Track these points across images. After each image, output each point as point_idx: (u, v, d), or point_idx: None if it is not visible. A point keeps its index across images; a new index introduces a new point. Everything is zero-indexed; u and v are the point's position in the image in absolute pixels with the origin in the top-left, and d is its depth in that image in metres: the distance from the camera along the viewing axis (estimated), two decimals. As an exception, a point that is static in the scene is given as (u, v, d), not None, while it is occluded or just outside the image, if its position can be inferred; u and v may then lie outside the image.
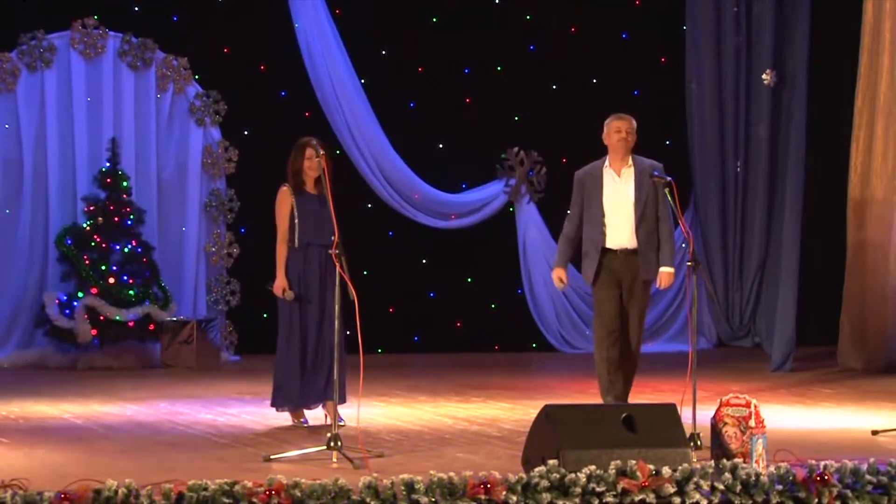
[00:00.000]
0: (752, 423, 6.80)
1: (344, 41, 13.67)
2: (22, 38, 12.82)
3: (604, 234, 8.85)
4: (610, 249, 8.85)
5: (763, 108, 13.96)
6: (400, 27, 13.97)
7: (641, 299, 8.94)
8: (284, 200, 8.67)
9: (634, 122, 9.00)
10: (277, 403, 8.71)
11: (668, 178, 8.61)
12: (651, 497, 6.06)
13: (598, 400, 9.38)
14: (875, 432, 8.38)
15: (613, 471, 6.10)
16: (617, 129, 8.91)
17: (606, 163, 8.95)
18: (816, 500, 6.25)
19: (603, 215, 8.86)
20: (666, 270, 8.86)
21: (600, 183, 8.92)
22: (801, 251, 12.59)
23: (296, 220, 8.61)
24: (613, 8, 14.67)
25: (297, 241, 8.60)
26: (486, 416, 9.31)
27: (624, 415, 6.68)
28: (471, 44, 14.25)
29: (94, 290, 12.37)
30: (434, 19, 14.27)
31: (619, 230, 8.85)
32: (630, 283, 8.87)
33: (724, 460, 6.45)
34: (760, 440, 6.78)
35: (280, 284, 8.58)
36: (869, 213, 12.36)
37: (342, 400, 8.41)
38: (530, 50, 14.59)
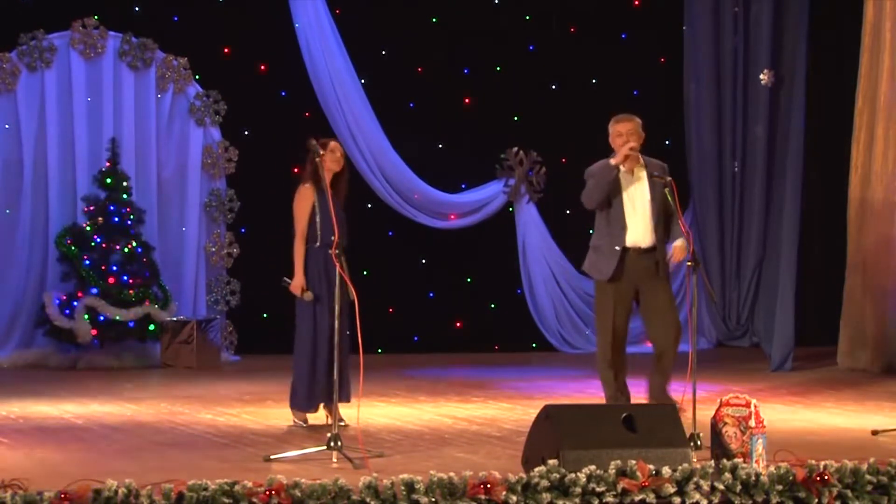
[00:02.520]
0: (752, 423, 6.79)
1: (344, 41, 13.68)
2: (22, 38, 12.82)
3: (625, 231, 8.84)
4: (628, 248, 8.85)
5: (761, 108, 13.97)
6: (400, 27, 13.97)
7: (666, 291, 8.94)
8: (306, 198, 8.56)
9: (638, 122, 8.98)
10: (302, 405, 8.63)
11: (668, 179, 8.62)
12: (651, 497, 6.06)
13: (599, 400, 9.39)
14: (875, 432, 8.38)
15: (613, 471, 6.10)
16: (619, 134, 8.90)
17: None
18: (816, 500, 6.25)
19: (623, 214, 8.85)
20: (677, 243, 8.88)
21: (617, 182, 8.89)
22: (799, 251, 12.60)
23: (317, 219, 8.56)
24: (613, 8, 14.68)
25: (319, 240, 8.53)
26: (486, 416, 9.31)
27: (624, 415, 6.68)
28: (471, 44, 14.26)
29: (94, 290, 12.37)
30: (434, 19, 14.28)
31: (637, 229, 8.87)
32: (647, 282, 8.87)
33: (724, 460, 6.44)
34: (760, 440, 6.78)
35: (298, 284, 8.50)
36: (869, 214, 12.37)
37: (348, 399, 8.42)
38: (530, 50, 14.60)
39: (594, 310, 9.18)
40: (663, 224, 8.92)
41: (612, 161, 8.84)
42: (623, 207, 8.87)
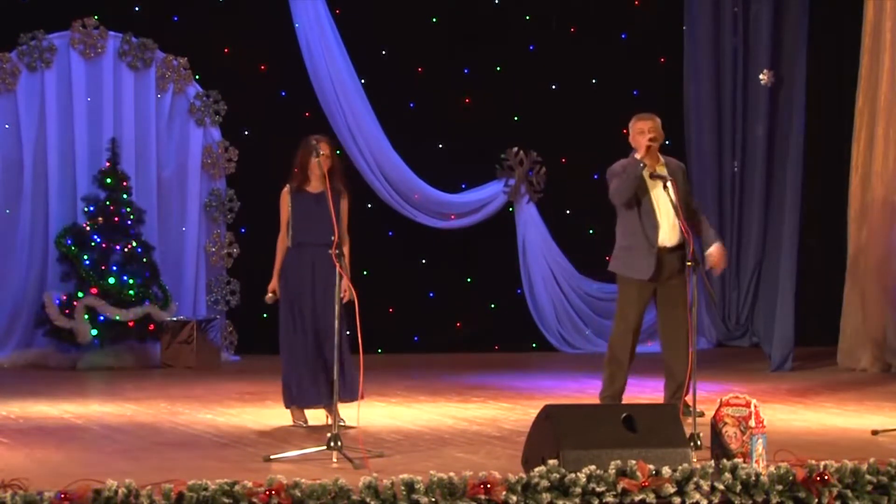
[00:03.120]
0: (752, 423, 6.79)
1: (344, 41, 13.67)
2: (22, 38, 12.82)
3: (657, 230, 8.86)
4: (660, 247, 8.87)
5: (761, 108, 13.95)
6: (400, 27, 13.97)
7: (685, 288, 8.95)
8: (283, 201, 8.74)
9: (658, 120, 9.01)
10: (287, 402, 8.72)
11: (669, 178, 8.63)
12: (651, 497, 6.05)
13: (597, 399, 9.38)
14: (875, 432, 8.38)
15: (613, 471, 6.10)
16: (640, 131, 8.91)
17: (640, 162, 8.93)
18: (816, 500, 6.25)
19: (654, 213, 8.87)
20: (714, 249, 8.92)
21: (643, 183, 8.91)
22: (799, 251, 12.60)
23: (290, 221, 8.67)
24: (613, 8, 14.67)
25: (290, 240, 8.67)
26: (486, 416, 9.31)
27: (624, 415, 6.68)
28: (471, 44, 14.26)
29: (93, 290, 12.37)
30: (434, 19, 14.27)
31: (665, 227, 8.89)
32: (671, 279, 8.88)
33: (724, 460, 6.45)
34: (760, 440, 6.78)
35: (271, 286, 8.67)
36: (870, 214, 12.37)
37: (355, 396, 8.42)
38: (530, 50, 14.59)
39: (617, 307, 9.15)
40: (692, 219, 8.94)
41: (637, 155, 8.85)
42: (652, 206, 8.89)
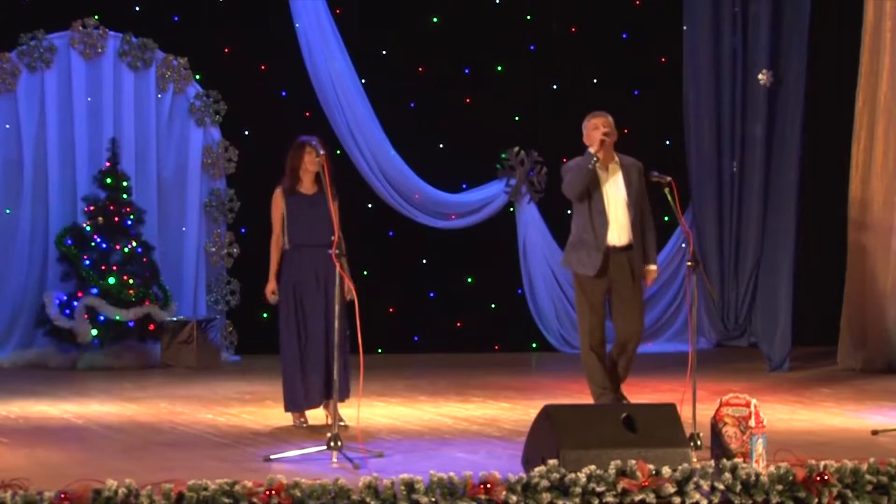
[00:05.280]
0: (752, 423, 6.80)
1: (344, 41, 13.67)
2: (22, 38, 12.83)
3: (607, 227, 8.89)
4: (609, 245, 8.91)
5: (759, 108, 13.95)
6: (400, 27, 13.97)
7: (638, 293, 9.00)
8: (276, 204, 8.77)
9: (611, 118, 9.08)
10: (288, 407, 8.71)
11: (668, 178, 8.64)
12: (651, 497, 6.06)
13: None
14: (875, 432, 8.39)
15: (613, 471, 6.11)
16: (595, 127, 8.97)
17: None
18: (816, 500, 6.25)
19: (605, 211, 8.90)
20: (652, 268, 9.00)
21: (596, 179, 8.97)
22: (799, 251, 12.59)
23: (285, 223, 8.66)
24: (613, 8, 14.68)
25: (286, 243, 8.67)
26: (486, 416, 9.31)
27: (624, 415, 6.69)
28: (471, 44, 14.25)
29: (94, 290, 12.37)
30: (434, 19, 14.28)
31: (616, 227, 8.93)
32: (622, 280, 8.92)
33: (724, 460, 6.45)
34: (760, 440, 6.78)
35: (269, 287, 8.67)
36: (869, 214, 12.37)
37: (346, 396, 8.43)
38: (530, 50, 14.60)
39: (576, 308, 9.22)
40: (640, 221, 9.00)
41: (592, 149, 8.90)
42: (603, 204, 8.94)
